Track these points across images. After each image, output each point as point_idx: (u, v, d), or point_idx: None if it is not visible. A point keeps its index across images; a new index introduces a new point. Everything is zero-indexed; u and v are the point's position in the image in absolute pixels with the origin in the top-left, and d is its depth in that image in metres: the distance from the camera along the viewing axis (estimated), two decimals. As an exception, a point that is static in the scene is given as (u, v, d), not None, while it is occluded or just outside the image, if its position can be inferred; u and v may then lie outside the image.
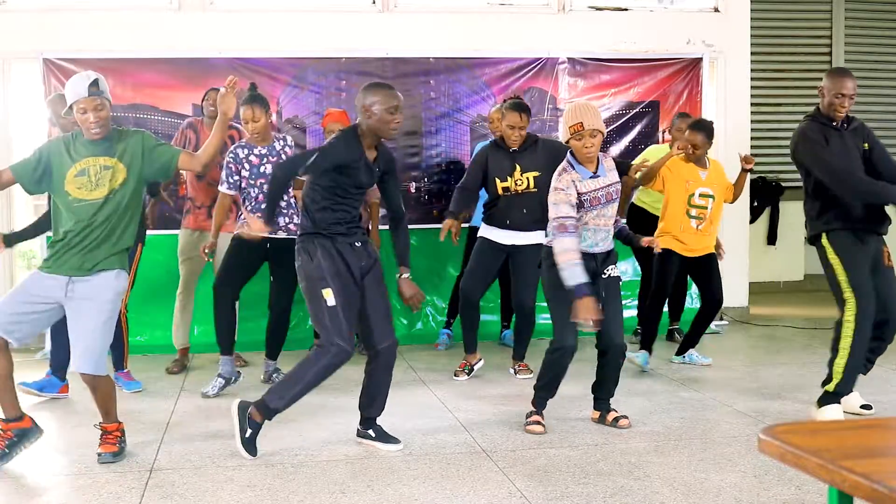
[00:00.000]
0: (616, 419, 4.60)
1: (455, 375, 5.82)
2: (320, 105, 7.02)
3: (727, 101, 7.78)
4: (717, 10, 7.82)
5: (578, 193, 4.31)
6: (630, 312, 7.23)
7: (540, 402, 4.63)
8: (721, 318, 7.66)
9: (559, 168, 4.42)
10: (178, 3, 7.06)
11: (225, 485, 3.78)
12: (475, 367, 5.84)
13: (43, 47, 6.74)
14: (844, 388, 4.63)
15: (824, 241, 4.67)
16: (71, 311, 4.05)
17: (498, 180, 5.64)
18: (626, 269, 7.13)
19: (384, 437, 4.34)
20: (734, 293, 7.83)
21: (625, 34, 7.56)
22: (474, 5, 7.53)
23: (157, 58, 6.84)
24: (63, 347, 5.56)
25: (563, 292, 4.28)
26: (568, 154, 4.43)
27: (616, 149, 7.37)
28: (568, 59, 7.37)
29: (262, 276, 5.65)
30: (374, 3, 7.36)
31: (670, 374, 5.82)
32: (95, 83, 3.98)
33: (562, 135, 4.50)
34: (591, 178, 4.37)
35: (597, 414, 4.70)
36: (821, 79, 4.73)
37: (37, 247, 7.03)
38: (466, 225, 6.86)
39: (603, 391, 4.67)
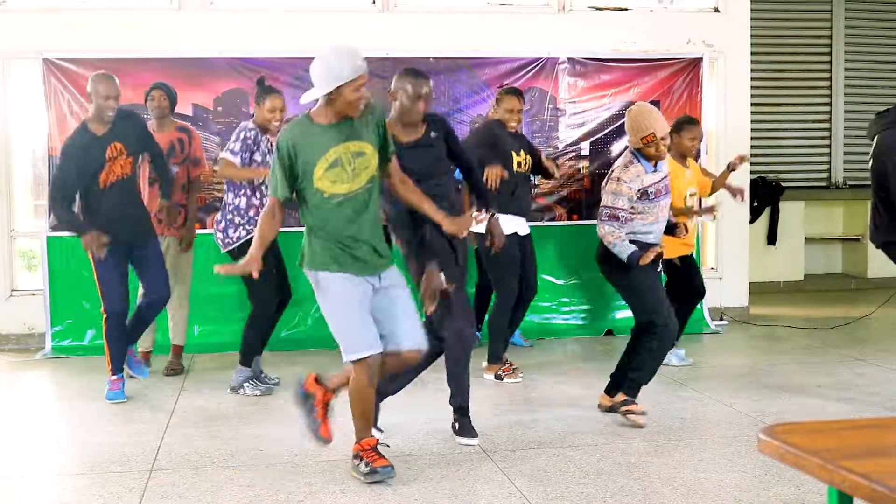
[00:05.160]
0: (633, 414, 4.59)
1: (501, 378, 5.62)
2: (320, 105, 7.01)
3: (727, 101, 7.77)
4: (717, 10, 7.82)
5: (644, 187, 4.47)
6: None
7: (636, 389, 4.64)
8: (721, 318, 7.66)
9: (623, 161, 4.56)
10: (178, 3, 7.06)
11: (225, 485, 3.78)
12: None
13: (43, 47, 6.73)
14: None
15: None
16: (385, 299, 3.79)
17: (514, 154, 5.70)
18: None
19: (462, 429, 4.38)
20: (734, 293, 7.83)
21: (625, 34, 7.55)
22: (474, 5, 7.52)
23: (157, 58, 6.83)
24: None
25: (640, 272, 4.44)
26: (629, 150, 4.57)
27: (616, 148, 7.36)
28: (568, 59, 7.36)
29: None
30: (374, 3, 7.36)
31: (670, 374, 5.82)
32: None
33: (631, 143, 4.56)
34: (652, 171, 4.53)
35: (621, 397, 4.65)
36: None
37: (36, 247, 7.03)
38: None
39: (643, 375, 4.63)
